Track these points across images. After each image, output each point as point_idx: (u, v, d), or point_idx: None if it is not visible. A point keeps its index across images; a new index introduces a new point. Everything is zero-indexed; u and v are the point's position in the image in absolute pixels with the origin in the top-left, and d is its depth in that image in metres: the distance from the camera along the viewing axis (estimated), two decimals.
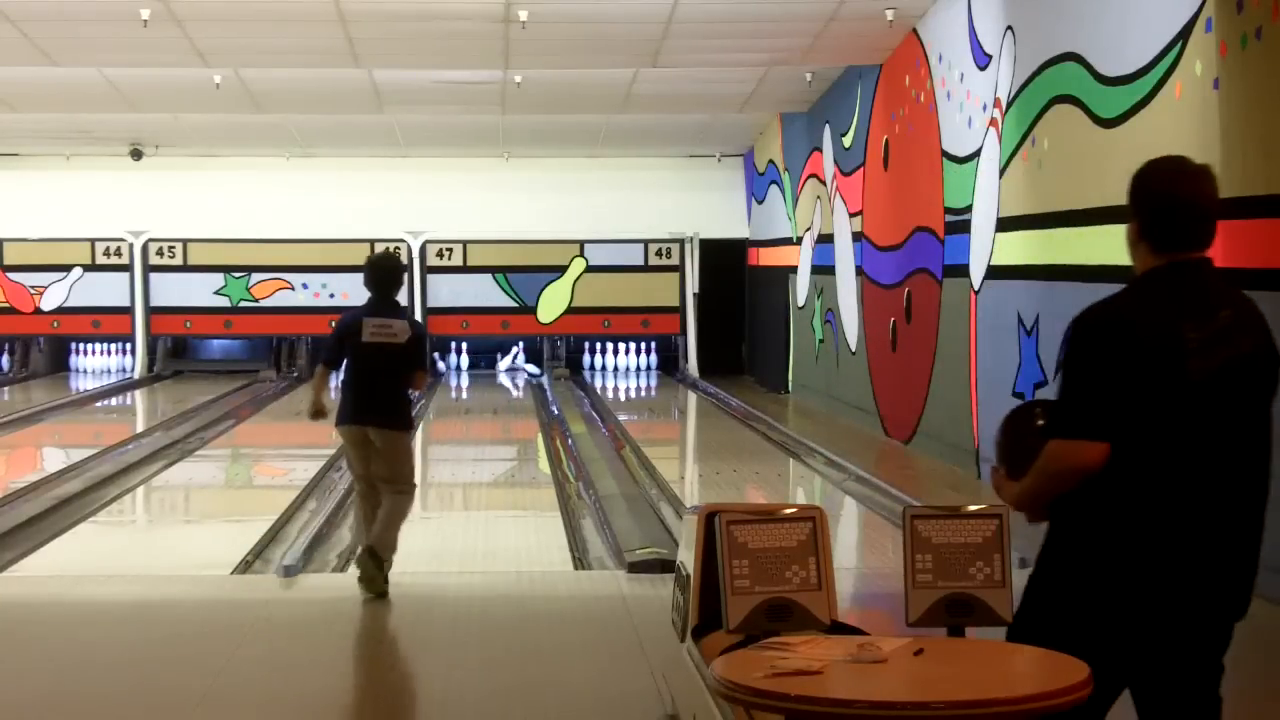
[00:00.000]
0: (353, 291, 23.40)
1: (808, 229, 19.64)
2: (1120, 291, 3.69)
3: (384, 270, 8.52)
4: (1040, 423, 3.71)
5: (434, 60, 15.68)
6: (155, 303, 23.95)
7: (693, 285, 23.93)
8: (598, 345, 24.51)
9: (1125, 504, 3.58)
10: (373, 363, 8.30)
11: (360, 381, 8.33)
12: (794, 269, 20.42)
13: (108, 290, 23.95)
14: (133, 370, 23.87)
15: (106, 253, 23.96)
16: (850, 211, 17.23)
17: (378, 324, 8.31)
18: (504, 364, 24.72)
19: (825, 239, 18.54)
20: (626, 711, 6.12)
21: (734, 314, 24.17)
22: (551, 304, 24.13)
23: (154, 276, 23.96)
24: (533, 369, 24.29)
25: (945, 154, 13.58)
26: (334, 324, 8.81)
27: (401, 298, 8.65)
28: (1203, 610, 3.62)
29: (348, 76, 16.46)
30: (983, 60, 12.43)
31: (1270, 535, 3.74)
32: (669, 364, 24.24)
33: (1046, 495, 3.62)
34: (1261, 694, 5.91)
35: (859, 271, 16.75)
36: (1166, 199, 3.65)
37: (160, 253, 23.95)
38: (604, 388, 22.57)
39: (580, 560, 9.74)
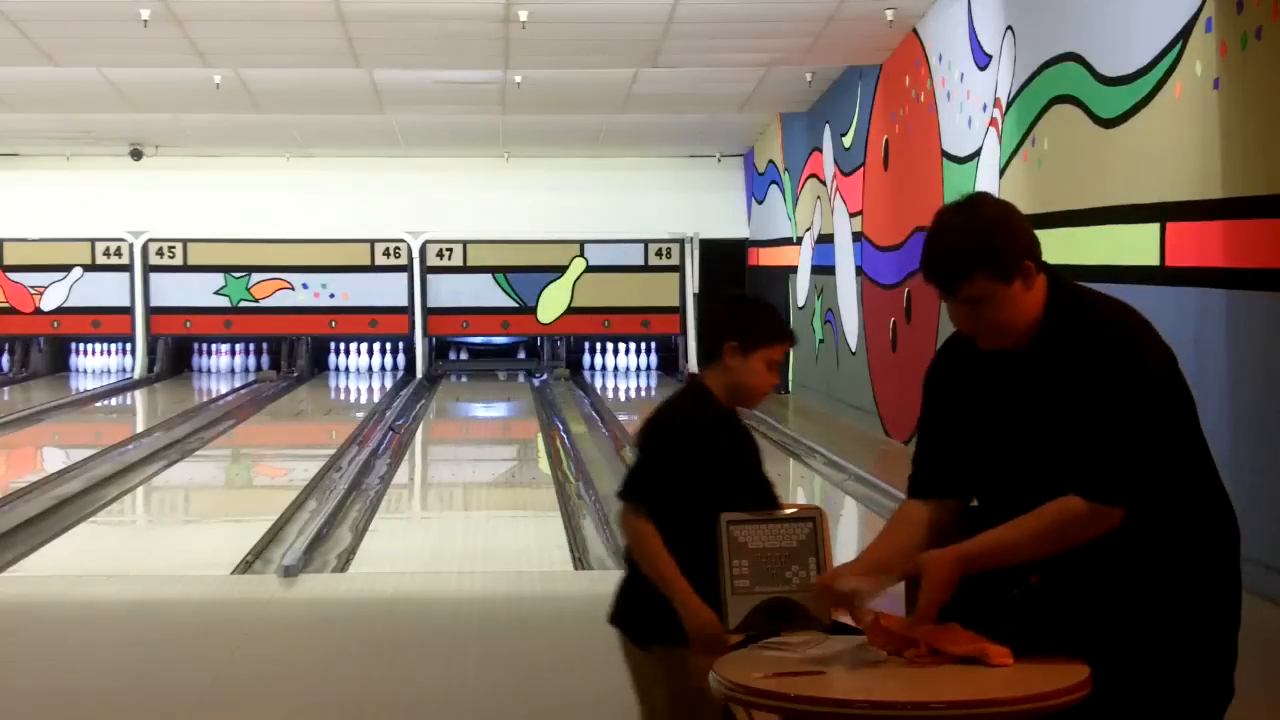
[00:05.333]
0: (353, 291, 23.45)
1: (808, 229, 19.64)
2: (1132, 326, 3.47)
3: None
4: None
5: (434, 60, 15.67)
6: (155, 303, 23.94)
7: (693, 285, 23.92)
8: (598, 345, 24.49)
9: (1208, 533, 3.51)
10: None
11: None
12: (794, 269, 20.42)
13: (108, 290, 23.95)
14: (133, 370, 23.86)
15: (106, 253, 23.96)
16: (850, 211, 17.23)
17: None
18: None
19: (825, 239, 18.54)
20: (626, 712, 6.11)
21: None
22: (551, 304, 24.12)
23: (154, 276, 23.95)
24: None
25: (945, 154, 13.58)
26: (667, 431, 4.21)
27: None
28: None
29: (348, 76, 16.46)
30: (983, 60, 12.43)
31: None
32: (669, 364, 24.22)
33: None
34: (1261, 694, 5.91)
35: (859, 271, 16.75)
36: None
37: (160, 253, 23.95)
38: (604, 388, 22.56)
39: (580, 560, 9.73)
